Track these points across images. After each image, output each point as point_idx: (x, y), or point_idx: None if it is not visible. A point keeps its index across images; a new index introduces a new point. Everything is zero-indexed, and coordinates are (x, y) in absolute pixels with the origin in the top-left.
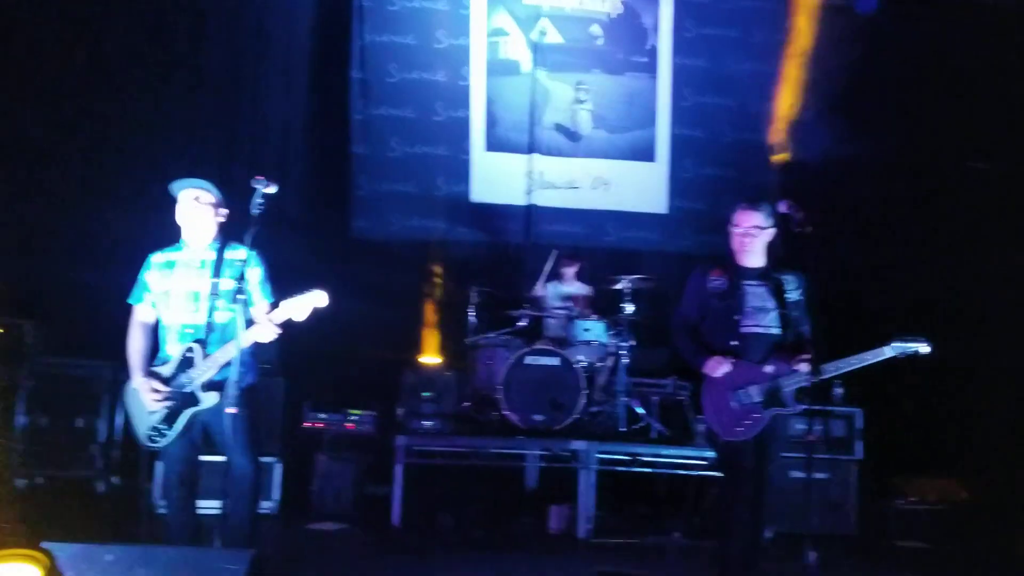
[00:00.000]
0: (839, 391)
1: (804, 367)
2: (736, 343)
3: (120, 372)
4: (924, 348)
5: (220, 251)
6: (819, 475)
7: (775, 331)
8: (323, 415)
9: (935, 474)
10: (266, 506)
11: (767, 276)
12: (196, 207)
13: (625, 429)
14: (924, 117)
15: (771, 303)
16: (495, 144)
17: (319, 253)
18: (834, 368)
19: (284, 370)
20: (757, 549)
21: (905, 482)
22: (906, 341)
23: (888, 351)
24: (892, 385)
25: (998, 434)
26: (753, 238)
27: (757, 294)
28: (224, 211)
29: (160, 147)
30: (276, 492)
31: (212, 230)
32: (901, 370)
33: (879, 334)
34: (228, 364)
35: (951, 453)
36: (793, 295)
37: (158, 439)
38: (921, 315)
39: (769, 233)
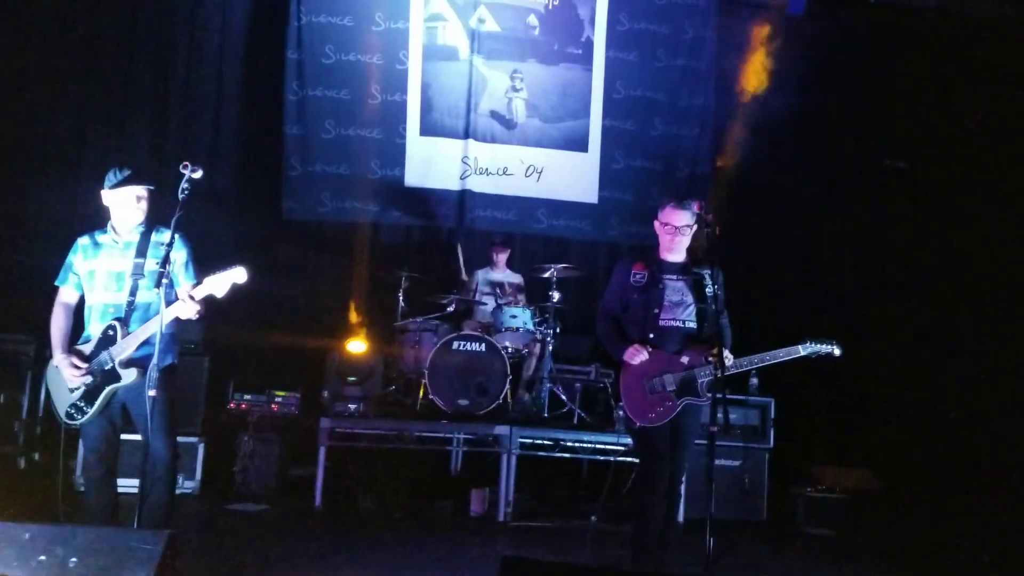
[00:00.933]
0: (754, 381)
1: (718, 360)
2: (653, 335)
3: (44, 348)
4: (836, 351)
5: (146, 234)
6: (731, 463)
7: (691, 325)
8: (248, 396)
9: (848, 463)
10: (188, 486)
11: (687, 271)
12: (135, 205)
13: (548, 415)
14: (846, 117)
15: (689, 298)
16: (430, 129)
17: (249, 232)
18: (747, 363)
19: (209, 350)
20: (671, 532)
21: (819, 471)
22: (819, 343)
23: (801, 350)
24: (805, 377)
25: (906, 425)
26: (683, 236)
27: (676, 288)
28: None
29: (91, 128)
30: (198, 472)
31: (141, 218)
32: (815, 363)
33: (793, 330)
34: (149, 342)
35: (862, 443)
36: (710, 290)
37: (77, 416)
38: (835, 310)
39: (692, 230)
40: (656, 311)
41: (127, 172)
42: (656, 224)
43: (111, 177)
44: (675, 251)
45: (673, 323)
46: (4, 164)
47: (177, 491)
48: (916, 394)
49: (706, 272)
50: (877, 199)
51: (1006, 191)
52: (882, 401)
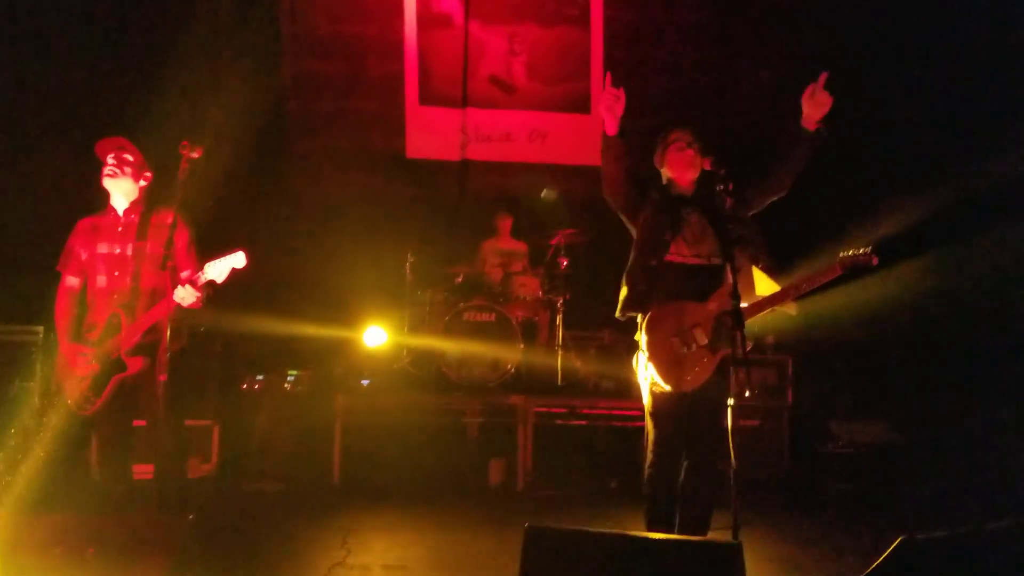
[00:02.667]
0: (769, 339)
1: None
2: (656, 263)
3: (51, 336)
4: (874, 259)
5: (146, 215)
6: (750, 422)
7: (716, 260)
8: (260, 376)
9: (867, 417)
10: (204, 469)
11: (703, 201)
12: (118, 164)
13: (562, 383)
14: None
15: (710, 231)
16: (429, 98)
17: (254, 210)
18: (781, 295)
19: (219, 332)
20: (707, 516)
21: (838, 426)
22: (854, 255)
23: (839, 268)
24: (821, 332)
25: (924, 378)
26: (696, 154)
27: (694, 223)
28: (148, 174)
29: (88, 112)
30: (214, 454)
31: (135, 193)
32: (830, 318)
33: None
34: (155, 328)
35: (880, 397)
36: (729, 208)
37: (87, 405)
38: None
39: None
40: (668, 237)
41: (104, 145)
42: (658, 157)
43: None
44: (688, 176)
45: (694, 260)
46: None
47: (195, 475)
48: (934, 345)
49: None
50: (893, 150)
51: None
52: (900, 353)
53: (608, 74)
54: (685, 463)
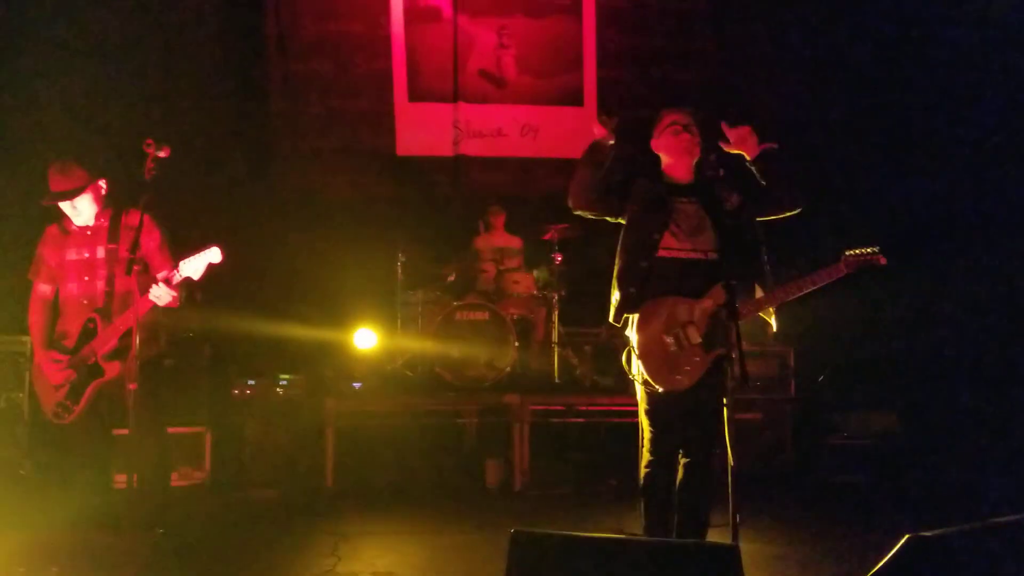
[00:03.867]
0: (771, 331)
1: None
2: (647, 263)
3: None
4: (881, 259)
5: (115, 217)
6: (752, 416)
7: (713, 255)
8: (252, 381)
9: (871, 408)
10: (197, 476)
11: (699, 190)
12: (74, 211)
13: (559, 380)
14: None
15: (707, 222)
16: (419, 94)
17: (243, 213)
18: (784, 294)
19: (208, 337)
20: (705, 516)
21: (842, 418)
22: (860, 253)
23: (844, 268)
24: (823, 323)
25: (929, 366)
26: (695, 137)
27: (689, 213)
28: (102, 183)
29: (68, 116)
30: (206, 461)
31: (98, 205)
32: (831, 308)
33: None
34: (131, 333)
35: (885, 387)
36: (733, 201)
37: (64, 414)
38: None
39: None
40: (657, 237)
41: (52, 187)
42: (656, 140)
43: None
44: (684, 162)
45: (691, 254)
46: None
47: (187, 482)
48: (939, 334)
49: (720, 185)
50: (896, 139)
51: None
52: (903, 343)
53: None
54: (682, 462)
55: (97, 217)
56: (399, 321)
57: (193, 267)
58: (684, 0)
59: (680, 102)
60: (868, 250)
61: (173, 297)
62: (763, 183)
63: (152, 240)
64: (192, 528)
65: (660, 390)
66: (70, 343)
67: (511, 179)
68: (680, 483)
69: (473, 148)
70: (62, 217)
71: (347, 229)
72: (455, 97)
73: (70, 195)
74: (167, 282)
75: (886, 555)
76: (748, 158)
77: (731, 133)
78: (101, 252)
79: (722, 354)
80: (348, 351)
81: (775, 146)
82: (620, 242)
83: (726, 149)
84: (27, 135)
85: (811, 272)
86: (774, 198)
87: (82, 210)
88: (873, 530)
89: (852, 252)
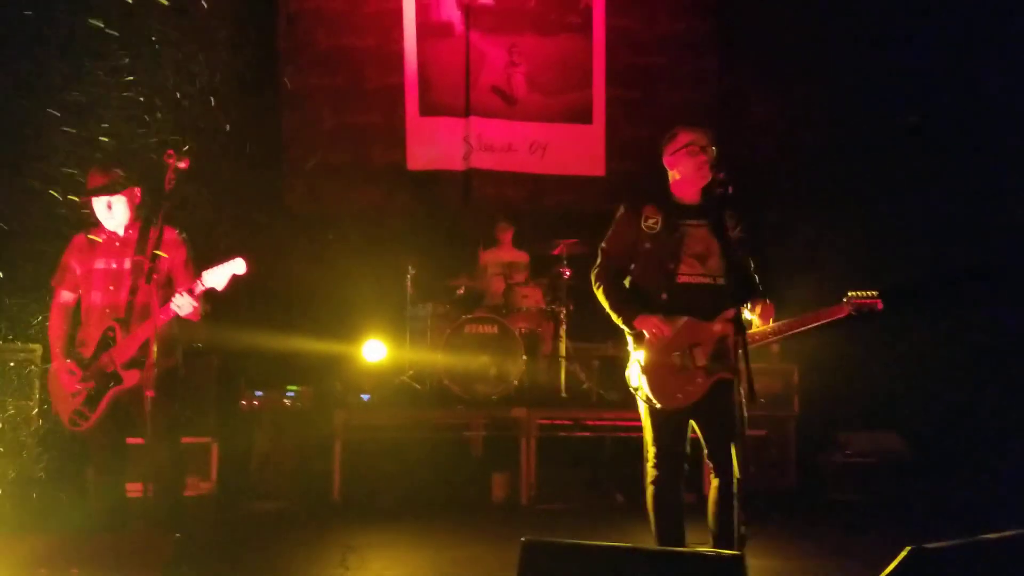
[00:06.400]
0: (775, 348)
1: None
2: (667, 295)
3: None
4: (879, 304)
5: (142, 229)
6: (756, 432)
7: (721, 281)
8: (260, 392)
9: (875, 427)
10: (204, 487)
11: (708, 213)
12: (107, 213)
13: (566, 394)
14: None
15: (715, 246)
16: (430, 108)
17: (254, 226)
18: (787, 327)
19: (216, 349)
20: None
21: (845, 437)
22: (862, 298)
23: (846, 309)
24: (827, 340)
25: (933, 386)
26: (710, 159)
27: (699, 237)
28: (136, 191)
29: (84, 128)
30: (213, 472)
31: (130, 214)
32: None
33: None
34: (149, 343)
35: (889, 407)
36: (735, 234)
37: (81, 422)
38: (853, 273)
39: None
40: (673, 266)
41: (97, 181)
42: (669, 158)
43: (88, 181)
44: (696, 184)
45: (700, 279)
46: None
47: (194, 493)
48: (942, 353)
49: (728, 211)
50: (894, 155)
51: None
52: (907, 362)
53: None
54: (714, 482)
55: (127, 228)
56: (408, 334)
57: (217, 278)
58: (692, 21)
59: (697, 122)
60: (868, 293)
61: (195, 308)
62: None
63: (179, 256)
64: (201, 537)
65: (660, 406)
66: (88, 351)
67: (521, 194)
68: (712, 502)
69: (483, 162)
70: (90, 227)
71: (357, 242)
72: (466, 112)
73: (107, 190)
74: (190, 292)
75: (887, 567)
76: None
77: (758, 307)
78: (128, 263)
79: (723, 378)
80: (357, 363)
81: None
82: (632, 271)
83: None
84: (32, 148)
85: (815, 311)
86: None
87: (116, 213)
88: (875, 545)
89: (854, 294)
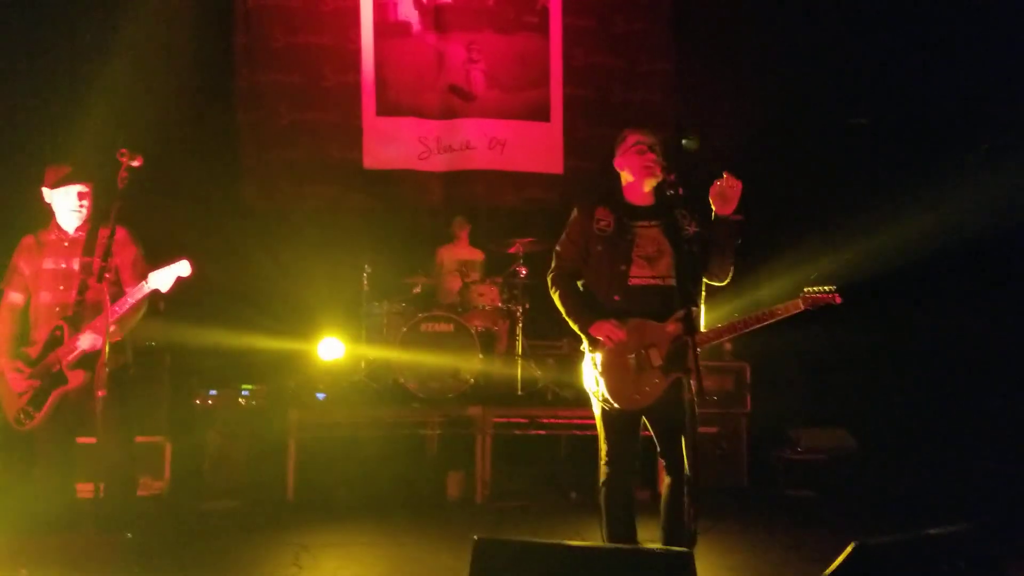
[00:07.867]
0: (727, 346)
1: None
2: (620, 296)
3: None
4: (837, 298)
5: (92, 230)
6: (708, 429)
7: (672, 281)
8: (214, 391)
9: (825, 424)
10: (156, 486)
11: (659, 214)
12: (76, 203)
13: (521, 392)
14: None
15: (667, 247)
16: (387, 108)
17: (208, 223)
18: (742, 324)
19: (171, 346)
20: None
21: (797, 433)
22: (818, 292)
23: (801, 304)
24: (778, 338)
25: (881, 382)
26: (658, 158)
27: (650, 238)
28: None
29: (31, 120)
30: (166, 471)
31: (85, 215)
32: (786, 325)
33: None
34: (97, 343)
35: (840, 404)
36: (689, 233)
37: (26, 421)
38: (805, 270)
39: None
40: (624, 268)
41: (66, 169)
42: (619, 159)
43: (51, 175)
44: (647, 183)
45: (651, 281)
46: None
47: (146, 493)
48: (890, 351)
49: (682, 210)
50: (841, 156)
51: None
52: (856, 359)
53: None
54: (666, 480)
55: (77, 228)
56: (364, 332)
57: (161, 279)
58: (648, 22)
59: (644, 122)
60: (825, 288)
61: (100, 341)
62: (712, 246)
63: (127, 254)
64: (153, 536)
65: (617, 407)
66: (36, 351)
67: (477, 192)
68: (664, 500)
69: (440, 164)
70: (39, 228)
71: (313, 240)
72: (423, 113)
73: (76, 177)
74: (135, 294)
75: (833, 562)
76: (716, 213)
77: (727, 180)
78: (77, 263)
79: (679, 377)
80: (312, 362)
81: (743, 220)
82: (586, 273)
83: (712, 200)
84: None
85: (770, 306)
86: (712, 264)
87: (87, 204)
88: (826, 539)
89: (811, 289)
